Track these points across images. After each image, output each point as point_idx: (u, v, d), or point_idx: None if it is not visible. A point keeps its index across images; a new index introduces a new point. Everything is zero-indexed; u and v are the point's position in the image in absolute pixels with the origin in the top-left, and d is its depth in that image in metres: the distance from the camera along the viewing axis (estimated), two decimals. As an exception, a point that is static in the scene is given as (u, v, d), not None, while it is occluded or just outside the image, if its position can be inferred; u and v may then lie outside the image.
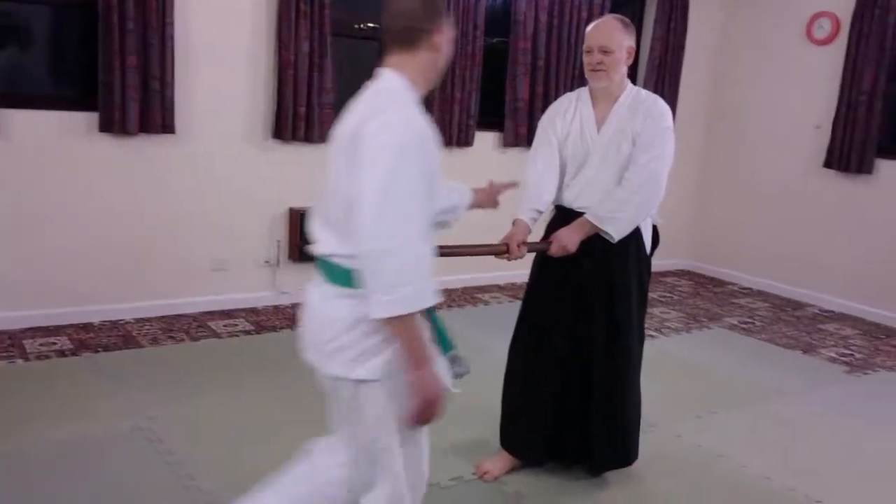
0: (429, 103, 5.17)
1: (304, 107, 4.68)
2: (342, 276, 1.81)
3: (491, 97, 5.59)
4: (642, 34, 6.40)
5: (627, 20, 2.80)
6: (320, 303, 1.90)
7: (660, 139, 2.71)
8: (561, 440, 2.94)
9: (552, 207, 2.93)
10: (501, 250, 2.71)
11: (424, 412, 1.78)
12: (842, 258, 5.88)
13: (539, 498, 2.88)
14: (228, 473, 2.85)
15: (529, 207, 2.81)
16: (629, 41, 2.75)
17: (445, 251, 2.46)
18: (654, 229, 2.96)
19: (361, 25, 5.24)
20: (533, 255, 2.89)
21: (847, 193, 5.84)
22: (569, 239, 2.71)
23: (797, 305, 6.00)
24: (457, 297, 5.45)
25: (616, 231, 2.70)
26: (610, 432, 2.89)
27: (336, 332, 1.83)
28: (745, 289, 6.41)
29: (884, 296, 5.64)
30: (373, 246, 1.66)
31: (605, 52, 2.72)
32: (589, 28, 2.83)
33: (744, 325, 5.36)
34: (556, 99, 5.61)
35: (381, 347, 1.78)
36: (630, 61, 2.78)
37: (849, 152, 5.70)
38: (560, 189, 2.87)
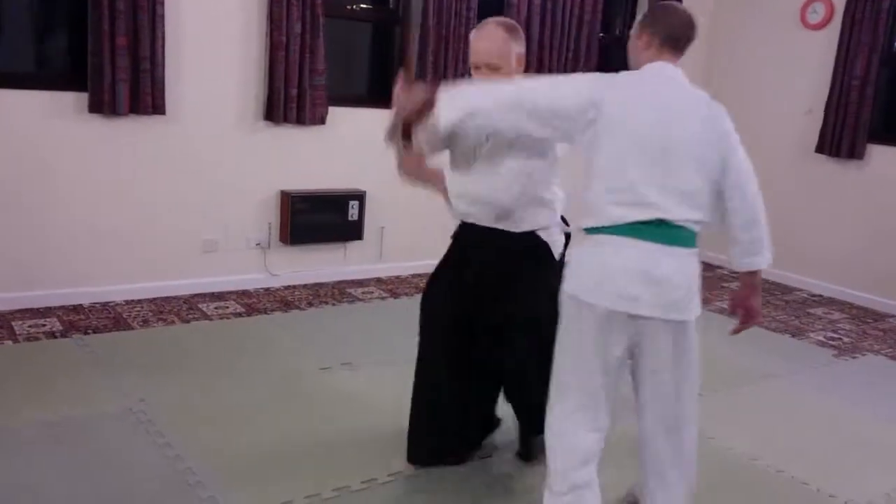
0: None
1: (295, 88, 4.66)
2: (691, 239, 2.20)
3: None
4: (636, 16, 6.38)
5: (512, 23, 2.54)
6: (675, 263, 2.17)
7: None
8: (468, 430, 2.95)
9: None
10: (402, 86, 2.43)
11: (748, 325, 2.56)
12: (832, 243, 5.91)
13: (526, 479, 2.90)
14: (218, 455, 2.86)
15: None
16: (518, 48, 2.49)
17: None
18: (567, 237, 2.77)
19: (354, 6, 5.21)
20: None
21: (838, 178, 5.86)
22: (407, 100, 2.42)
23: (786, 289, 6.03)
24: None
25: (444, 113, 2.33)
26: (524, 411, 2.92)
27: (692, 284, 2.20)
28: (734, 273, 6.41)
29: (872, 280, 5.68)
30: (762, 213, 2.38)
31: (493, 68, 2.45)
32: (472, 37, 2.54)
33: (734, 310, 5.38)
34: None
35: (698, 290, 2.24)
36: (521, 70, 2.52)
37: (840, 137, 5.71)
38: None
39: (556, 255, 2.71)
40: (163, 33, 4.22)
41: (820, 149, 5.86)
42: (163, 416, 3.11)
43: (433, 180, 2.62)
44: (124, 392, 3.31)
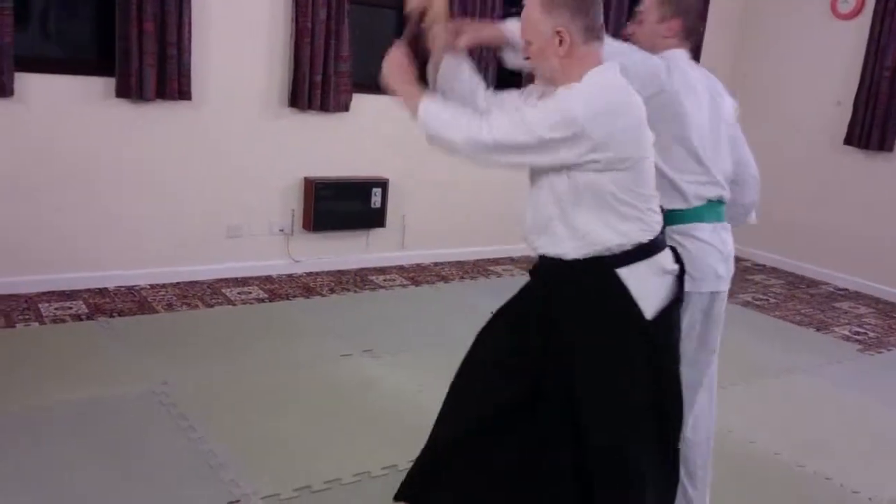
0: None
1: (320, 75, 4.66)
2: (723, 215, 2.36)
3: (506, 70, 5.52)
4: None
5: None
6: (722, 238, 2.34)
7: (545, 106, 1.91)
8: None
9: None
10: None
11: None
12: (859, 236, 5.83)
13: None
14: (239, 438, 2.89)
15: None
16: (551, 23, 1.92)
17: None
18: (678, 259, 2.03)
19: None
20: None
21: (867, 171, 5.77)
22: (391, 74, 2.19)
23: (812, 283, 5.96)
24: (469, 269, 5.45)
25: (419, 120, 2.09)
26: None
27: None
28: (759, 265, 6.38)
29: (901, 275, 5.60)
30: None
31: (526, 41, 2.02)
32: None
33: (757, 302, 5.34)
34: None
35: None
36: (565, 48, 1.93)
37: (870, 129, 5.63)
38: None
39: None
40: (189, 19, 4.24)
41: (849, 140, 5.77)
42: (186, 399, 3.15)
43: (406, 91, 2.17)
44: (148, 375, 3.35)
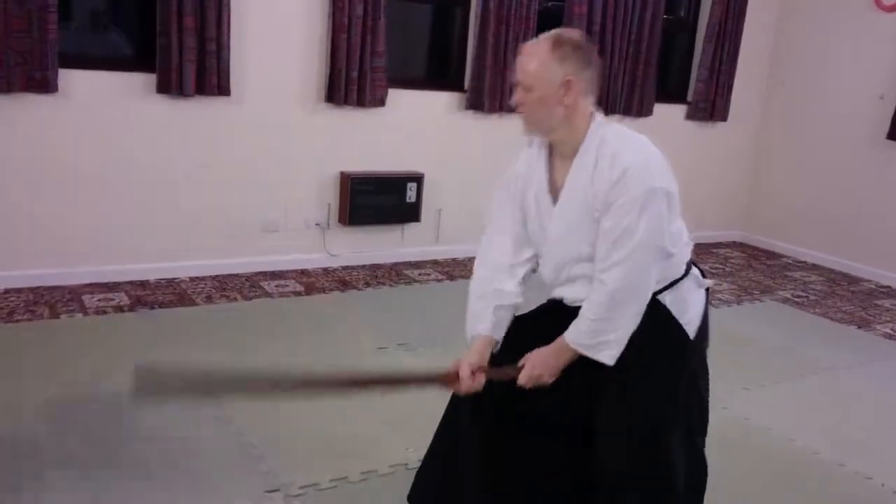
0: (481, 69, 5.12)
1: (356, 70, 4.68)
2: None
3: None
4: (701, 1, 6.24)
5: (565, 38, 1.97)
6: None
7: (640, 217, 1.90)
8: None
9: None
10: (450, 378, 2.07)
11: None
12: (902, 233, 5.72)
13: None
14: (277, 431, 2.92)
15: (488, 308, 2.13)
16: (562, 71, 1.93)
17: (369, 380, 2.24)
18: (706, 293, 2.16)
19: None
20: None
21: (911, 166, 5.66)
22: (545, 368, 2.02)
23: (853, 280, 5.86)
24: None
25: (612, 356, 1.97)
26: None
27: None
28: (799, 262, 6.28)
29: (945, 272, 5.48)
30: None
31: (525, 88, 1.97)
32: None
33: (797, 299, 5.27)
34: (611, 65, 5.60)
35: None
36: (573, 98, 1.95)
37: (914, 124, 5.51)
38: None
39: (690, 323, 2.08)
40: (228, 15, 4.29)
41: (892, 135, 5.66)
42: (225, 391, 3.19)
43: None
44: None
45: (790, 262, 6.26)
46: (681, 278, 2.06)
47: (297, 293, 4.49)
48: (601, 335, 1.96)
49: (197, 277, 4.58)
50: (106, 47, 4.55)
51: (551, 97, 1.95)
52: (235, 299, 4.30)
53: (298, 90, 4.71)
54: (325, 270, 4.95)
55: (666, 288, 2.03)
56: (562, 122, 1.99)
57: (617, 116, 5.78)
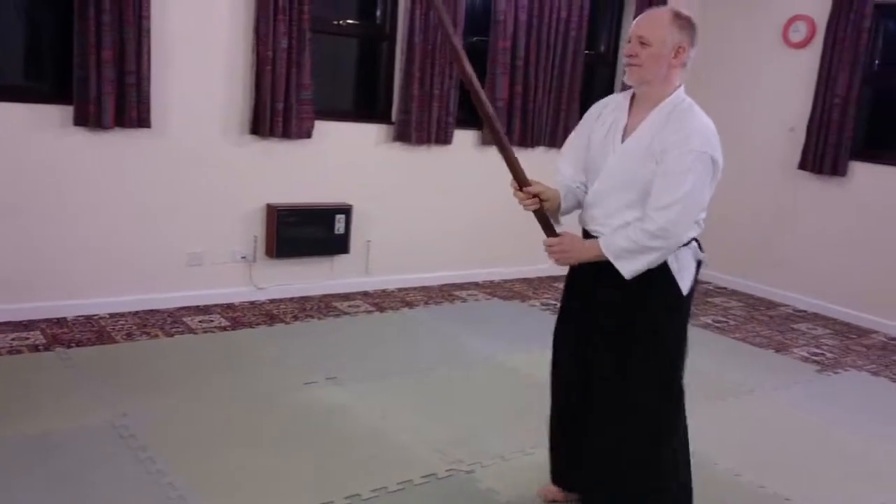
0: (408, 101, 5.17)
1: (282, 102, 4.67)
2: None
3: (470, 96, 5.57)
4: (621, 34, 6.44)
5: (684, 14, 2.39)
6: None
7: (690, 168, 2.28)
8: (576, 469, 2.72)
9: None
10: (521, 179, 2.44)
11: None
12: (815, 259, 5.96)
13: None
14: (201, 470, 2.85)
15: (558, 182, 2.56)
16: (678, 37, 2.34)
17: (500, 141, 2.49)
18: (698, 265, 2.50)
19: (340, 22, 5.23)
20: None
21: (821, 195, 5.92)
22: (572, 252, 2.45)
23: (771, 305, 6.07)
24: (434, 295, 5.45)
25: (630, 271, 2.35)
26: (600, 484, 2.61)
27: None
28: (720, 288, 6.48)
29: (856, 296, 5.72)
30: None
31: (642, 42, 2.36)
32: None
33: (718, 324, 5.42)
34: (535, 99, 5.73)
35: None
36: (679, 63, 2.38)
37: (823, 155, 5.77)
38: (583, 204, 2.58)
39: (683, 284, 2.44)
40: (149, 47, 4.22)
41: (803, 165, 5.91)
42: (146, 431, 3.09)
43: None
44: (107, 406, 3.29)
45: (711, 288, 6.45)
46: (685, 245, 2.40)
47: (223, 328, 4.40)
48: (631, 254, 2.33)
49: (117, 314, 4.44)
50: (20, 78, 4.42)
51: (663, 56, 2.35)
52: (157, 336, 4.19)
53: (222, 122, 4.65)
54: (252, 304, 4.88)
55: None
56: (660, 79, 2.38)
57: (541, 148, 5.90)
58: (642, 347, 2.44)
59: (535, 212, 2.51)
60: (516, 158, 2.45)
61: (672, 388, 2.51)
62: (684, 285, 2.43)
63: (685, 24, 2.37)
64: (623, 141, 2.43)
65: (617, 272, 2.36)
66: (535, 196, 2.45)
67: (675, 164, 2.28)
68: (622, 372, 2.46)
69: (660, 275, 2.38)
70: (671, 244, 2.32)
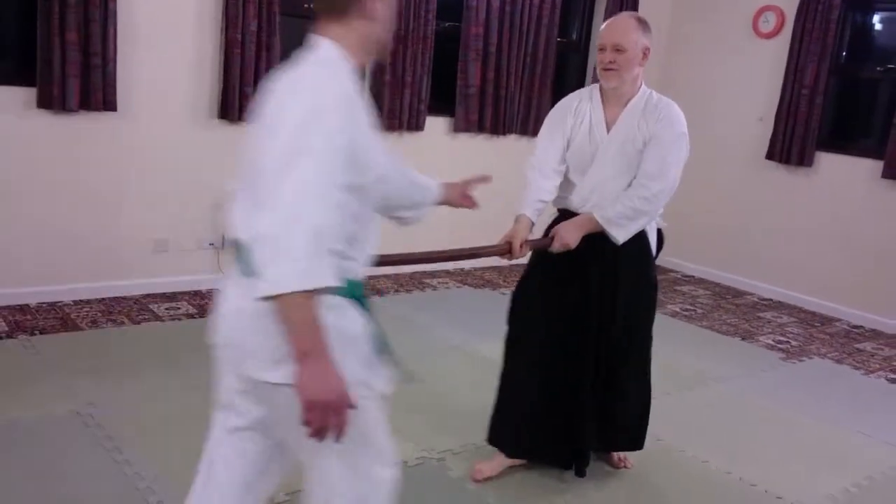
0: (379, 87, 5.13)
1: (251, 87, 4.60)
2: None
3: (442, 82, 5.57)
4: (593, 22, 6.44)
5: (644, 19, 2.73)
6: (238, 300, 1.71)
7: (675, 146, 2.70)
8: (550, 438, 2.89)
9: (554, 211, 2.91)
10: (503, 250, 2.67)
11: (317, 419, 1.53)
12: (781, 248, 6.03)
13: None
14: (168, 459, 2.81)
15: (534, 199, 2.76)
16: (645, 40, 2.68)
17: (442, 256, 2.73)
18: (659, 232, 2.97)
19: (311, 5, 5.15)
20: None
21: (788, 185, 5.99)
22: (570, 235, 2.68)
23: (737, 293, 6.14)
24: (405, 283, 5.44)
25: (622, 235, 2.70)
26: (622, 423, 2.96)
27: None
28: (687, 276, 6.54)
29: (820, 285, 5.81)
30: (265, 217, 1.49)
31: (618, 50, 2.65)
32: (603, 25, 2.79)
33: (685, 312, 5.47)
34: (507, 86, 5.71)
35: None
36: (645, 62, 2.72)
37: (790, 145, 5.84)
38: (563, 192, 2.83)
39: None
40: (115, 29, 4.13)
41: (770, 156, 5.98)
42: (112, 420, 3.05)
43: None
44: (73, 395, 3.23)
45: (679, 276, 6.51)
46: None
47: (190, 315, 4.35)
48: (628, 220, 2.69)
49: (81, 301, 4.37)
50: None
51: (635, 59, 2.67)
52: (123, 323, 4.13)
53: (190, 106, 4.58)
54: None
55: None
56: (632, 78, 2.71)
57: (513, 136, 5.89)
58: (641, 296, 2.86)
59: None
60: (493, 245, 2.70)
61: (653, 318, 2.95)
62: (652, 237, 2.91)
63: (647, 27, 2.71)
64: (608, 133, 2.74)
65: (602, 243, 2.70)
66: (521, 244, 2.67)
67: (664, 141, 2.68)
68: (633, 328, 2.86)
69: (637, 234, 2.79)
70: (657, 208, 2.74)
